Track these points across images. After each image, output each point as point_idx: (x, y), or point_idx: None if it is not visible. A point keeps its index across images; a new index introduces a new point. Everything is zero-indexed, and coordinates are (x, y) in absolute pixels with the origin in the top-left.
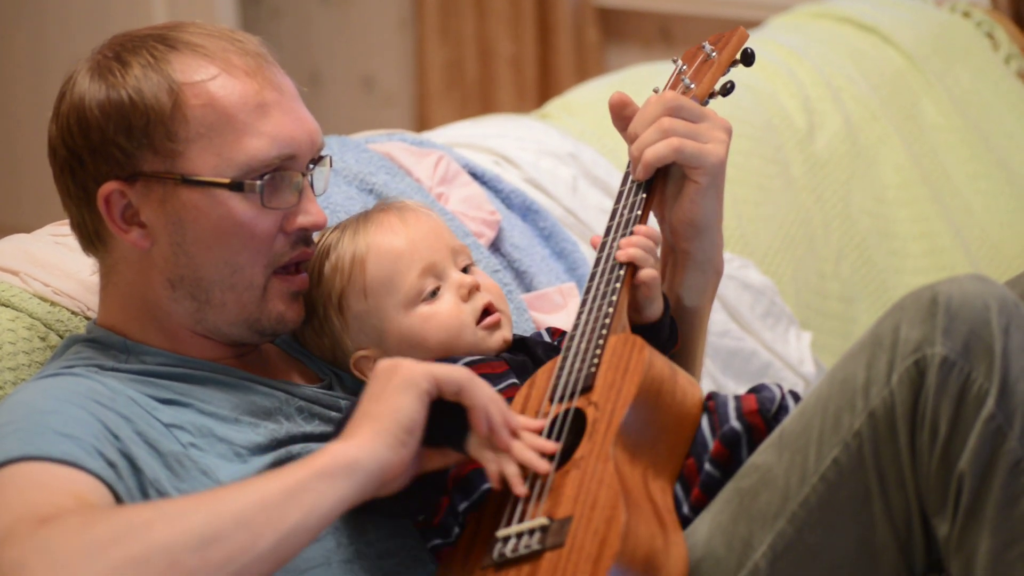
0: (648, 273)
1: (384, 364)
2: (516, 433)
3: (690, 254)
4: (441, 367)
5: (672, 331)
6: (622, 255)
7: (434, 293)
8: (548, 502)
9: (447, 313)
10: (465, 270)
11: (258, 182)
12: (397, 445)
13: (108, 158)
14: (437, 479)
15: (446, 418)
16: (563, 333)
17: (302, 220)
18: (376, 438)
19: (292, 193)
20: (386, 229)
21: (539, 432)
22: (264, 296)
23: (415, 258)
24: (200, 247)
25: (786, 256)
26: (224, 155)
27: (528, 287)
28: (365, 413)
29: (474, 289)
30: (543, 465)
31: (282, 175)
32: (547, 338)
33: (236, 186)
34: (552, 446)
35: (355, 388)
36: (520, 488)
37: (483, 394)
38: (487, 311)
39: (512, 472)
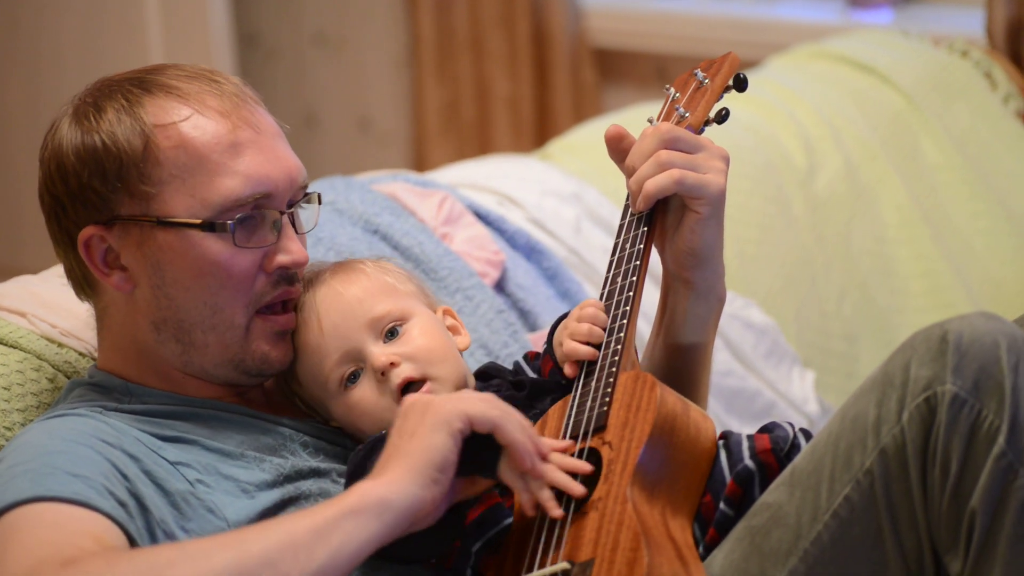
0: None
1: (416, 401)
2: (545, 456)
3: (693, 283)
4: (474, 405)
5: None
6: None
7: (355, 376)
8: (568, 546)
9: (367, 401)
10: (393, 332)
11: (230, 222)
12: (430, 483)
13: (86, 203)
14: (458, 510)
15: (474, 447)
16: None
17: (281, 259)
18: (408, 476)
19: (270, 232)
20: (302, 323)
21: (567, 452)
22: (247, 336)
23: (329, 349)
24: (178, 288)
25: (788, 296)
26: (198, 196)
27: (533, 327)
28: (397, 449)
29: (387, 368)
30: (578, 488)
31: (260, 214)
32: (524, 366)
33: (208, 226)
34: (585, 465)
35: None
36: (556, 511)
37: (517, 429)
38: (409, 385)
39: (545, 496)
